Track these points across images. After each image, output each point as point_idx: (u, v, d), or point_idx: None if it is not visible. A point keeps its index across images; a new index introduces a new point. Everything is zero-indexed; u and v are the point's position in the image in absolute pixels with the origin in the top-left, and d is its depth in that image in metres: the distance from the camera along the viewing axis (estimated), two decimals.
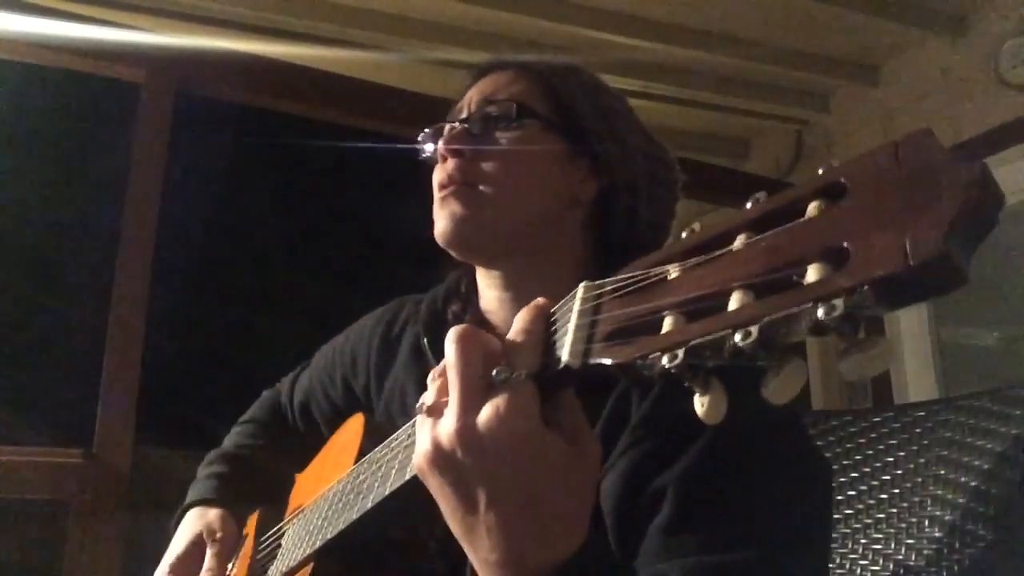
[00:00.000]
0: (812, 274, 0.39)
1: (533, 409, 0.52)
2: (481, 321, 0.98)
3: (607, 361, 0.47)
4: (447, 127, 0.95)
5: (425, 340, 1.00)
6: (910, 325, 2.90)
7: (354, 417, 0.99)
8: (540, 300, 0.57)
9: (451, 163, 0.91)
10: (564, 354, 0.51)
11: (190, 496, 1.13)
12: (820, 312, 0.38)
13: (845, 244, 0.39)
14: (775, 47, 2.91)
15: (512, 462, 0.52)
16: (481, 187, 0.90)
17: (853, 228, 0.39)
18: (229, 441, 1.23)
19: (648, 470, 0.72)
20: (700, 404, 0.44)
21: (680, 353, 0.43)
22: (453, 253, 0.93)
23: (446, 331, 0.98)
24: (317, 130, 2.64)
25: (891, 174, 0.40)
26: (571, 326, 0.51)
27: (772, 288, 0.41)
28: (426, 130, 0.99)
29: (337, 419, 1.09)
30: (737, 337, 0.40)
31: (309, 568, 0.84)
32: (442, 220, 0.91)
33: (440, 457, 0.54)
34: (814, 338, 0.39)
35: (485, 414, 0.52)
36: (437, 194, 0.93)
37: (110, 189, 2.20)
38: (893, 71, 3.08)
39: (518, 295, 0.93)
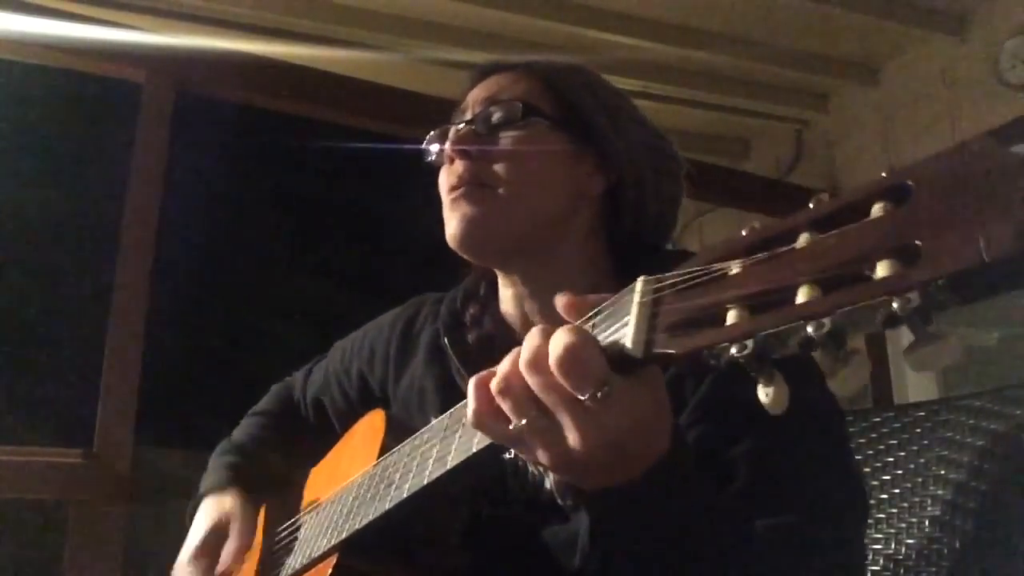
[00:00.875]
0: (882, 270, 0.41)
1: (627, 405, 0.55)
2: (499, 322, 1.00)
3: (671, 351, 0.50)
4: (452, 129, 0.96)
5: (446, 340, 1.01)
6: None
7: (374, 412, 1.00)
8: (566, 300, 0.59)
9: (459, 164, 0.92)
10: (627, 343, 0.52)
11: (204, 485, 1.13)
12: (895, 305, 0.40)
13: (917, 241, 0.40)
14: (775, 47, 2.91)
15: (628, 446, 0.57)
16: (491, 187, 0.91)
17: (924, 226, 0.41)
18: (240, 432, 1.23)
19: (715, 446, 0.77)
20: (765, 394, 0.46)
21: (750, 343, 0.45)
22: (466, 256, 0.94)
23: (465, 333, 0.99)
24: (317, 130, 2.64)
25: (959, 175, 0.41)
26: (632, 317, 0.53)
27: (841, 283, 0.43)
28: (431, 133, 0.99)
29: (350, 413, 1.09)
30: (810, 328, 0.42)
31: (333, 560, 0.84)
32: (454, 223, 0.92)
33: (578, 469, 0.59)
34: (885, 330, 0.41)
35: (608, 422, 0.55)
36: (447, 196, 0.94)
37: (110, 189, 2.20)
38: (893, 71, 3.08)
39: (533, 292, 0.95)
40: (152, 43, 2.18)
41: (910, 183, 0.43)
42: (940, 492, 1.03)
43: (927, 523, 1.03)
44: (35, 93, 2.44)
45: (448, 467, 0.68)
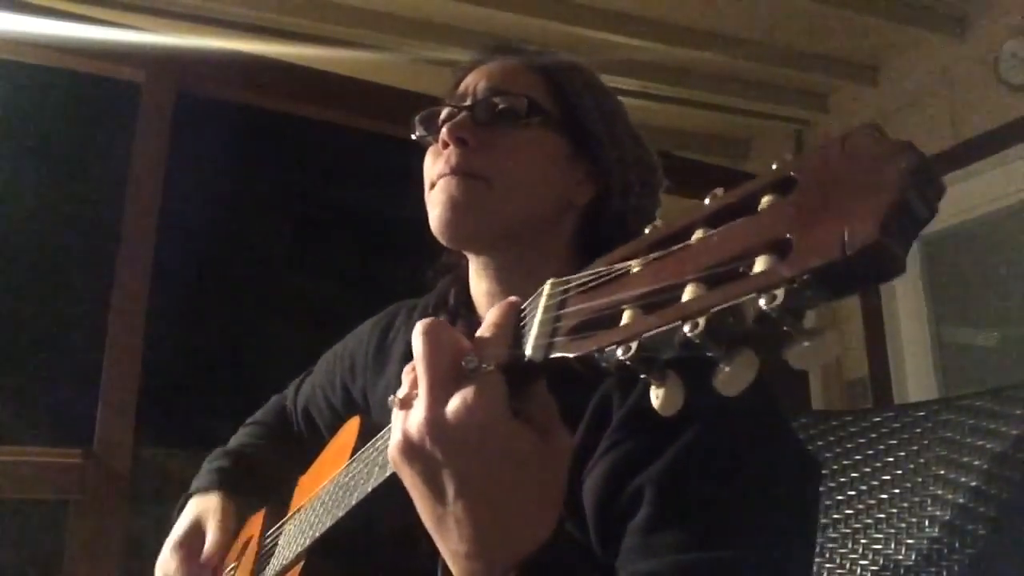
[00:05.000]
0: (759, 265, 0.40)
1: (501, 400, 0.52)
2: (472, 327, 0.98)
3: (568, 355, 0.48)
4: (446, 111, 0.92)
5: None
6: (910, 325, 2.90)
7: (351, 420, 1.00)
8: (513, 298, 0.57)
9: (453, 151, 0.88)
10: (527, 348, 0.51)
11: (192, 487, 1.16)
12: (762, 302, 0.38)
13: (788, 235, 0.39)
14: (775, 47, 2.91)
15: (480, 452, 0.52)
16: (483, 179, 0.88)
17: (798, 220, 0.40)
18: (234, 440, 1.25)
19: (627, 471, 0.72)
20: (655, 396, 0.45)
21: (633, 345, 0.44)
22: (444, 241, 0.91)
23: None
24: (317, 130, 2.64)
25: (837, 167, 0.41)
26: (536, 320, 0.52)
27: (722, 280, 0.41)
28: (423, 112, 0.96)
29: (337, 423, 1.10)
30: (686, 328, 0.41)
31: (300, 566, 0.85)
32: (438, 207, 0.88)
33: (410, 448, 0.54)
34: (759, 327, 0.39)
35: (453, 405, 0.52)
36: (436, 180, 0.90)
37: (110, 189, 2.20)
38: (893, 71, 3.08)
39: (506, 288, 0.91)
40: (152, 43, 2.18)
41: (794, 175, 0.42)
42: (940, 492, 1.03)
43: (927, 523, 1.03)
44: (35, 93, 2.44)
45: (387, 474, 0.67)
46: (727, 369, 0.41)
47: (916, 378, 2.88)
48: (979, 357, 2.93)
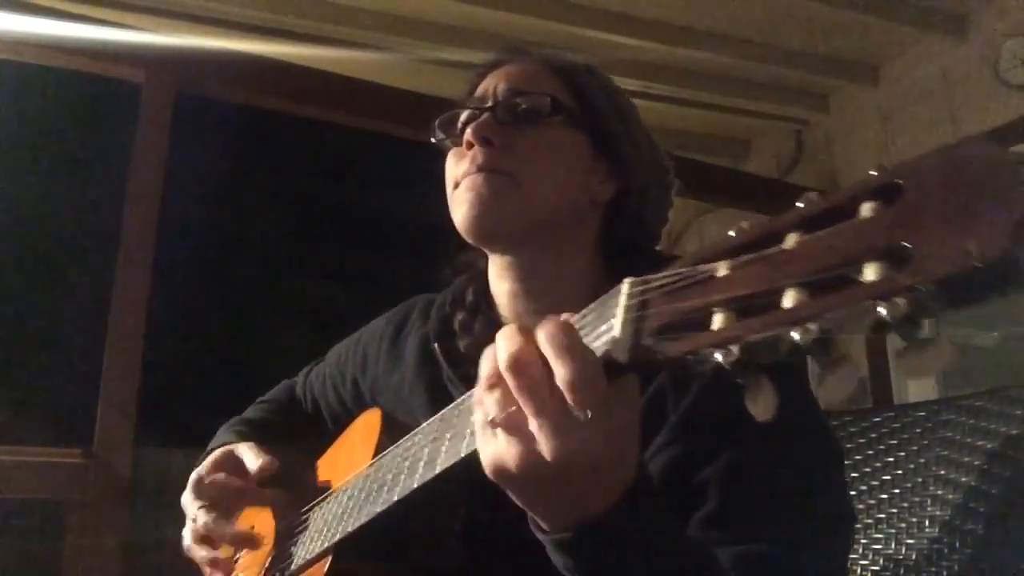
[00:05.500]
0: (870, 273, 0.39)
1: (609, 417, 0.53)
2: (491, 325, 0.98)
3: (657, 355, 0.48)
4: (466, 113, 0.94)
5: (436, 346, 1.00)
6: None
7: (371, 411, 0.99)
8: (566, 315, 0.57)
9: (478, 151, 0.89)
10: (612, 348, 0.51)
11: (212, 445, 1.14)
12: (882, 310, 0.38)
13: (906, 243, 0.39)
14: (775, 47, 2.91)
15: (599, 465, 0.54)
16: (509, 176, 0.88)
17: (914, 228, 0.39)
18: (248, 412, 1.24)
19: (690, 466, 0.74)
20: (752, 401, 0.45)
21: (735, 349, 0.43)
22: (472, 240, 0.91)
23: (455, 338, 0.98)
24: (317, 130, 2.63)
25: (951, 176, 0.39)
26: (618, 320, 0.52)
27: (827, 286, 0.40)
28: (442, 116, 0.96)
29: (345, 416, 1.09)
30: (795, 334, 0.40)
31: (327, 561, 0.84)
32: (464, 205, 0.88)
33: (537, 476, 0.55)
34: (873, 336, 0.39)
35: (571, 436, 0.53)
36: (461, 179, 0.90)
37: (110, 189, 2.20)
38: (893, 71, 3.09)
39: (529, 287, 0.92)
40: (152, 43, 2.18)
41: (900, 182, 0.41)
42: (940, 492, 1.03)
43: (927, 523, 1.03)
44: (35, 93, 2.44)
45: (437, 471, 0.68)
46: (830, 378, 0.41)
47: (916, 378, 2.87)
48: (979, 357, 2.93)
